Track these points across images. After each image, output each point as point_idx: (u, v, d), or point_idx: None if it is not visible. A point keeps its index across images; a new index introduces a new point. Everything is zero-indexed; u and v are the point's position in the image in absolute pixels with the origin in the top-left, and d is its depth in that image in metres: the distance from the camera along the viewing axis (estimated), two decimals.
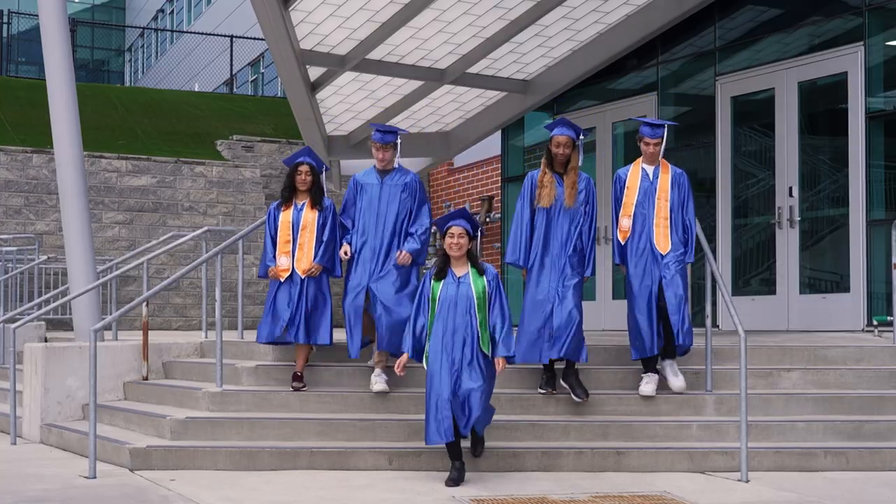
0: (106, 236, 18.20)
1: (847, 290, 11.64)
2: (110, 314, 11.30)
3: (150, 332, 10.78)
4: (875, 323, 10.90)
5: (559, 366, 8.67)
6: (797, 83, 12.30)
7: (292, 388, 8.89)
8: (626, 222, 8.80)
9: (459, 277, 7.47)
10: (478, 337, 7.44)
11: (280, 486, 7.51)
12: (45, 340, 13.68)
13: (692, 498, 7.14)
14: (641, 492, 7.30)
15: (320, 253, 8.96)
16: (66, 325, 15.26)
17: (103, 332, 10.63)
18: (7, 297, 15.38)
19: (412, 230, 8.89)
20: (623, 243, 8.78)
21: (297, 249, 8.98)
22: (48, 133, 12.33)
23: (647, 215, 8.75)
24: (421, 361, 7.56)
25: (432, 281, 7.51)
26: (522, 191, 8.76)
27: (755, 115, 12.97)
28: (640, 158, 8.93)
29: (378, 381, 8.78)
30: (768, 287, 12.51)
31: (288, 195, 9.11)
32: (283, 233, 9.03)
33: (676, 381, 8.69)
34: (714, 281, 8.84)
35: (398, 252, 8.83)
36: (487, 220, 17.54)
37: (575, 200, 8.57)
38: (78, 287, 11.27)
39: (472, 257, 7.54)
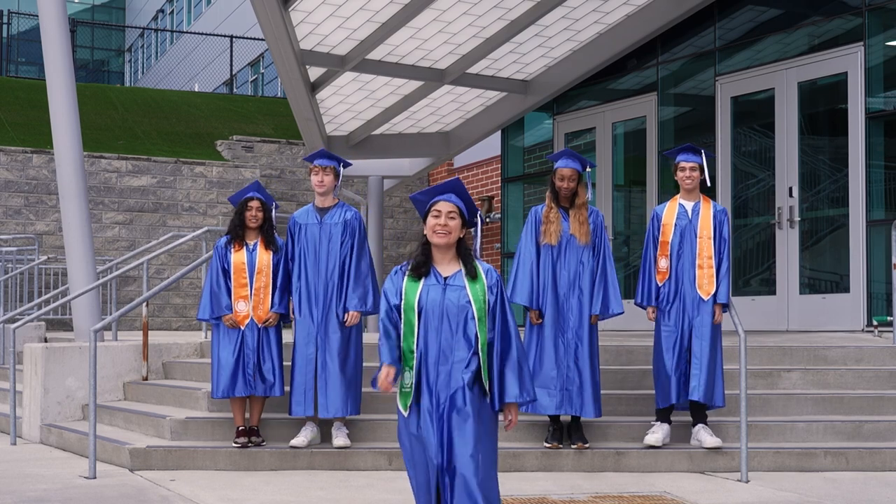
0: (106, 236, 18.20)
1: (847, 290, 11.63)
2: (110, 314, 11.30)
3: (149, 333, 10.79)
4: (875, 323, 10.90)
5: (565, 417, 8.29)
6: (797, 83, 12.30)
7: (252, 442, 8.24)
8: (663, 263, 8.15)
9: (447, 278, 4.94)
10: (477, 367, 4.88)
11: (280, 486, 7.51)
12: (45, 340, 13.69)
13: (692, 498, 7.14)
14: (641, 492, 7.30)
15: (277, 300, 8.36)
16: (66, 325, 15.27)
17: (103, 333, 10.64)
18: (7, 297, 15.39)
19: (354, 294, 8.18)
20: (661, 285, 8.16)
21: (254, 295, 8.36)
22: (48, 133, 12.33)
23: (684, 256, 8.10)
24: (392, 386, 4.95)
25: (406, 279, 4.97)
26: (526, 226, 8.17)
27: (755, 115, 12.97)
28: (679, 194, 8.29)
29: (339, 436, 8.24)
30: (768, 287, 12.51)
31: (241, 233, 8.45)
32: (238, 275, 8.35)
33: (712, 439, 8.03)
34: None
35: (346, 314, 8.18)
36: (487, 220, 17.55)
37: (589, 236, 8.04)
38: (78, 287, 11.27)
39: (463, 251, 5.02)
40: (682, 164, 8.15)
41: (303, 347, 8.26)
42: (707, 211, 8.16)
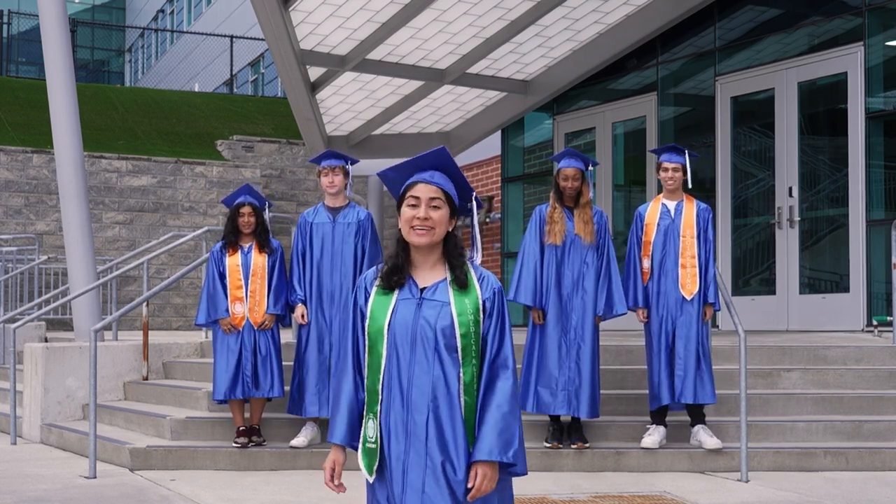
0: (106, 236, 18.20)
1: (847, 290, 11.64)
2: (110, 314, 11.31)
3: (150, 332, 10.79)
4: (875, 323, 10.90)
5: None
6: (797, 83, 12.30)
7: (253, 441, 8.25)
8: (646, 263, 8.13)
9: (424, 290, 3.57)
10: (461, 414, 3.57)
11: (280, 486, 7.52)
12: (46, 340, 13.69)
13: (692, 498, 7.14)
14: (641, 492, 7.30)
15: (272, 302, 8.31)
16: (66, 325, 15.27)
17: (103, 332, 10.64)
18: (7, 297, 15.39)
19: None
20: (645, 285, 8.13)
21: (249, 297, 8.32)
22: (48, 133, 12.33)
23: (667, 256, 8.07)
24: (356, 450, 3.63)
25: (374, 292, 3.61)
26: (530, 226, 8.11)
27: (755, 115, 12.97)
28: (661, 194, 8.30)
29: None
30: (768, 287, 12.51)
31: (234, 238, 8.41)
32: (234, 278, 8.33)
33: (712, 440, 7.99)
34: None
35: None
36: (487, 220, 17.54)
37: (593, 236, 8.01)
38: (78, 287, 11.27)
39: (452, 250, 3.61)
40: (665, 164, 8.15)
41: (314, 348, 8.23)
42: (690, 210, 8.14)
